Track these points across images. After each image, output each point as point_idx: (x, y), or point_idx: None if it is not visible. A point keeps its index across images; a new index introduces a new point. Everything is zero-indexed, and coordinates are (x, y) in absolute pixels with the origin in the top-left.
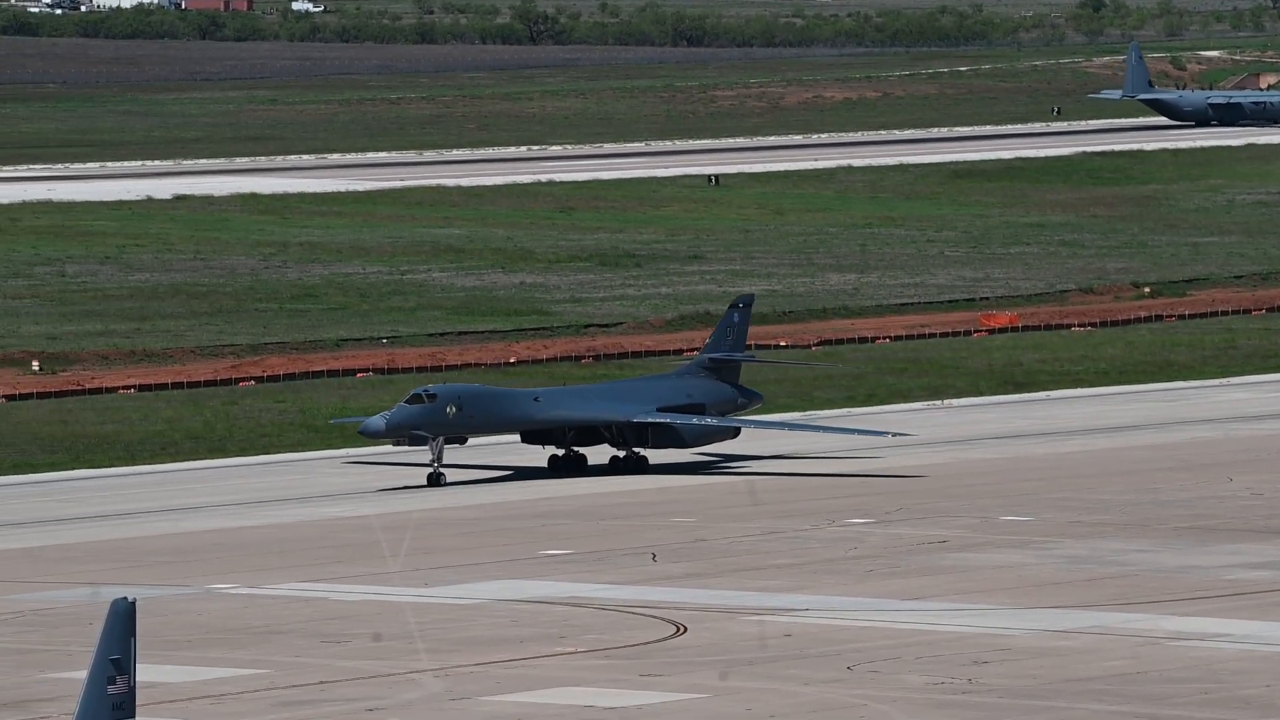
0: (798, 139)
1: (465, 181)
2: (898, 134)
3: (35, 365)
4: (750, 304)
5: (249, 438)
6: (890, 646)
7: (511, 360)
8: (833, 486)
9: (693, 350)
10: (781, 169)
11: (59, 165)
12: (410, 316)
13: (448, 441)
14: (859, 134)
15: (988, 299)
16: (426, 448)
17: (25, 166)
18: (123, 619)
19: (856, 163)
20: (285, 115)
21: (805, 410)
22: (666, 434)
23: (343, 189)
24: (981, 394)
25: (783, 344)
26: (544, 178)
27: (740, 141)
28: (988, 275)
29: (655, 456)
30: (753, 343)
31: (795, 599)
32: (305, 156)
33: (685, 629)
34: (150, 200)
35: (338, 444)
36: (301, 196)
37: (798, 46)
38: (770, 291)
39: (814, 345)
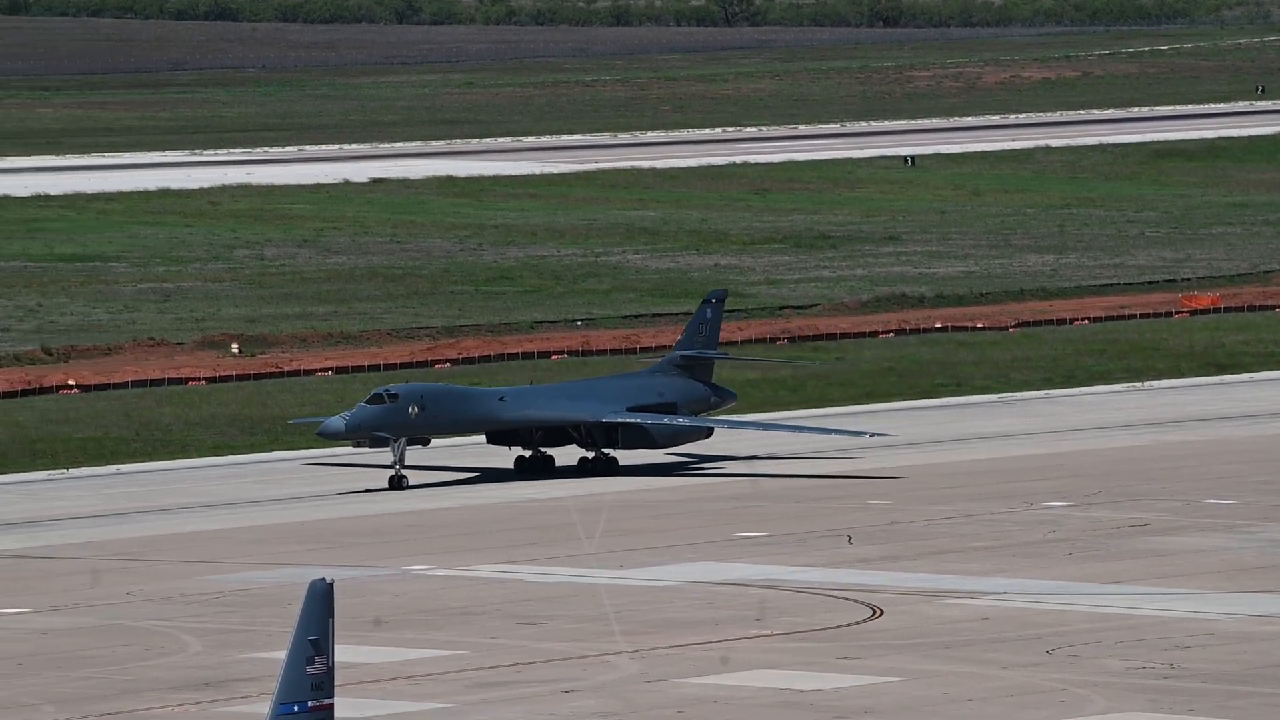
0: (995, 119)
1: (660, 163)
2: (1097, 114)
3: (235, 348)
4: (723, 300)
5: None
6: (1090, 630)
7: None
8: (1031, 470)
9: (887, 333)
10: (978, 149)
11: (258, 149)
12: (604, 298)
13: (410, 443)
14: (1057, 114)
15: (1189, 280)
16: (388, 449)
17: (225, 151)
18: (321, 600)
19: (1055, 143)
20: (481, 98)
21: (1002, 391)
22: (637, 434)
23: (538, 171)
24: (1183, 376)
25: (979, 325)
26: (739, 159)
27: (936, 122)
28: (1189, 256)
29: (626, 458)
30: (948, 324)
31: (993, 582)
32: (501, 139)
33: (882, 612)
34: (348, 183)
35: None
36: (497, 179)
37: (995, 26)
38: (967, 273)
39: (1011, 327)
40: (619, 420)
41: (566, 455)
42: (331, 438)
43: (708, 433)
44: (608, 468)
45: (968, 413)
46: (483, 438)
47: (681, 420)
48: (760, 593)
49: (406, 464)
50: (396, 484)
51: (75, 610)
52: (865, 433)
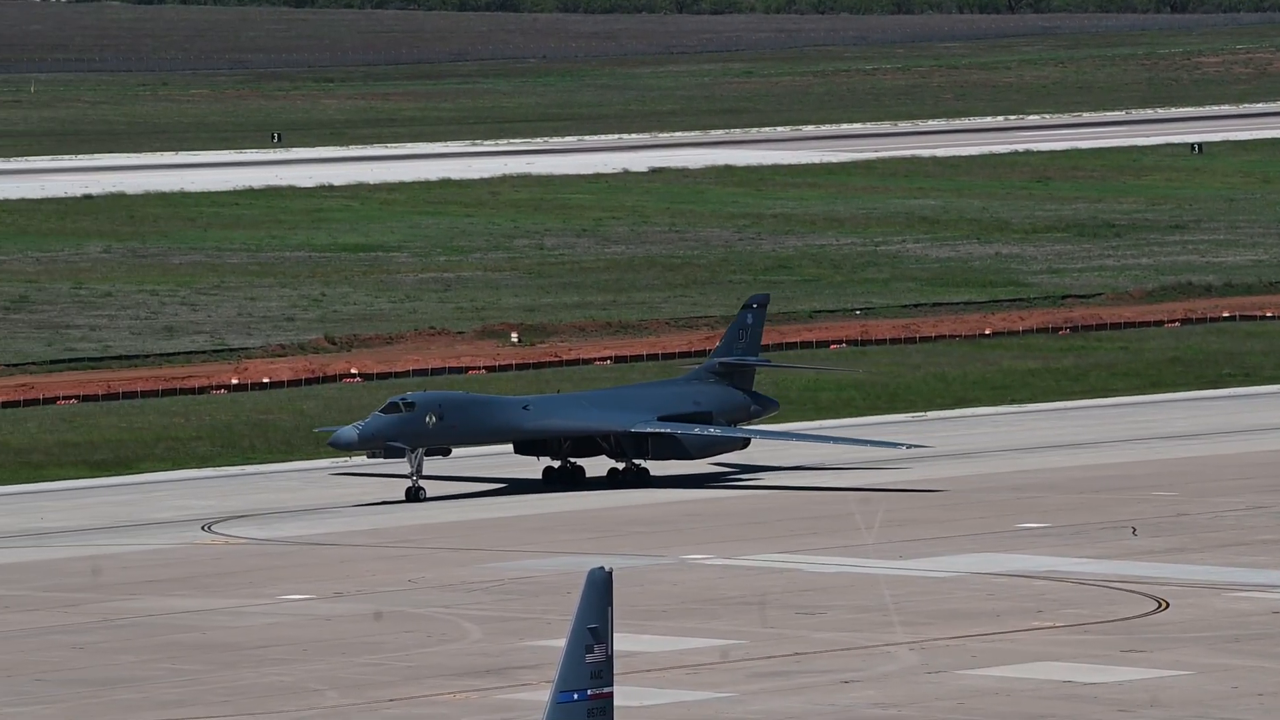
0: None
1: (940, 152)
2: None
3: (514, 337)
4: (765, 304)
5: None
6: None
7: (987, 332)
8: None
9: (1173, 322)
10: (1269, 136)
11: (538, 139)
12: (883, 288)
13: (429, 453)
14: None
15: None
16: (405, 460)
17: (505, 141)
18: (600, 588)
19: None
20: (760, 87)
21: None
22: (668, 444)
23: (817, 160)
24: None
25: (1269, 315)
26: (1021, 147)
27: (1225, 109)
28: None
29: (659, 469)
30: (1235, 313)
31: None
32: (780, 128)
33: (1168, 604)
34: (627, 173)
35: (809, 415)
36: (776, 168)
37: None
38: (1256, 261)
39: None
40: (649, 430)
41: (598, 466)
42: (344, 448)
43: (744, 443)
44: (639, 479)
45: (1257, 403)
46: (510, 448)
47: (713, 430)
48: (1042, 584)
49: (424, 474)
50: (414, 496)
51: (358, 597)
52: (902, 444)
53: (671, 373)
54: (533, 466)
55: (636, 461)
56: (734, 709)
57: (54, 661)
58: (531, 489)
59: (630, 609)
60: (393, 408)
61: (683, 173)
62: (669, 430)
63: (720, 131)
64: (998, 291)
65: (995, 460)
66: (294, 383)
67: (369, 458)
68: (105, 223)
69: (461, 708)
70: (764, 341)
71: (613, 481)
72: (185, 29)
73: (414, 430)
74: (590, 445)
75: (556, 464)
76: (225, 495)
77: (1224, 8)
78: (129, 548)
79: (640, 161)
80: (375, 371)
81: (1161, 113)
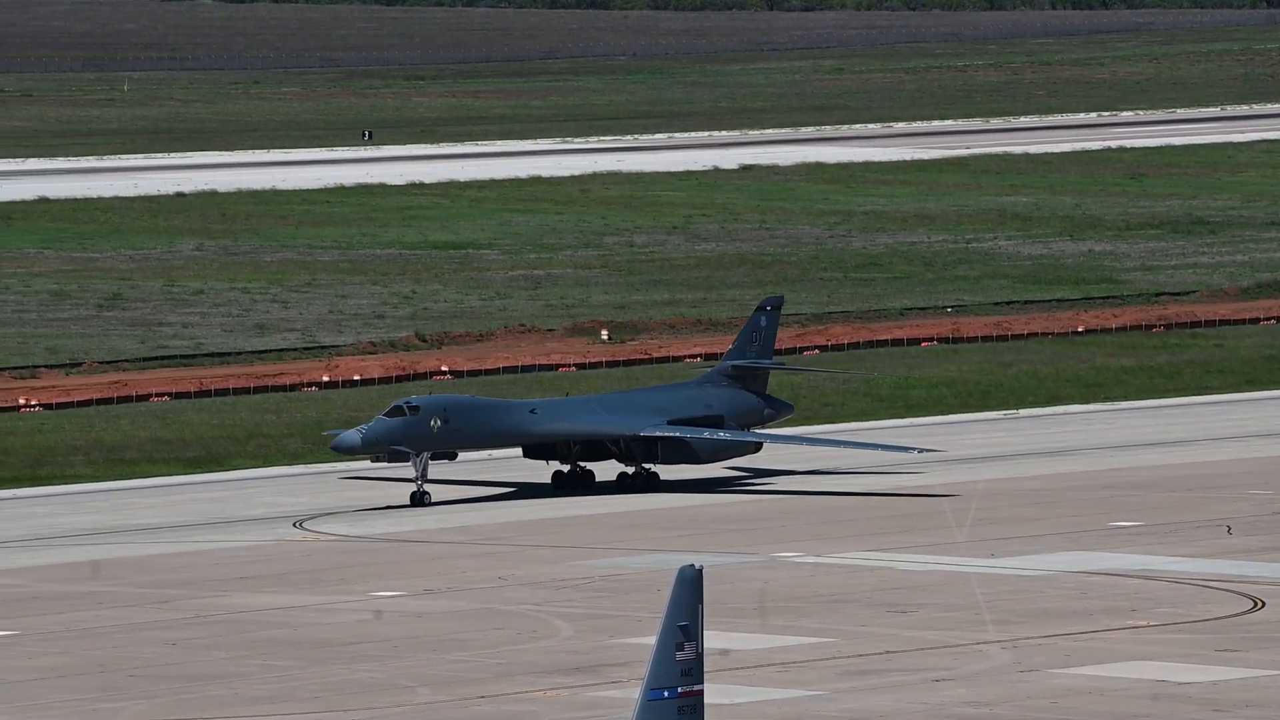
0: None
1: (1033, 148)
2: None
3: (604, 334)
4: (780, 306)
5: (811, 407)
6: None
7: (1079, 329)
8: None
9: (1269, 320)
10: None
11: (628, 136)
12: (975, 285)
13: (434, 457)
14: None
15: None
16: (409, 464)
17: (596, 138)
18: (690, 586)
19: None
20: (851, 84)
21: None
22: (678, 449)
23: (907, 158)
24: None
25: None
26: (1114, 144)
27: None
28: None
29: (669, 473)
30: None
31: None
32: (870, 125)
33: (1264, 603)
34: (716, 170)
35: (900, 413)
36: (866, 165)
37: None
38: None
39: None
40: (658, 434)
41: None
42: (347, 452)
43: (756, 447)
44: (648, 484)
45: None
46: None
47: (723, 434)
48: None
49: (430, 478)
50: (419, 500)
51: (449, 594)
52: (913, 448)
53: None
54: (542, 470)
55: (646, 466)
56: (825, 707)
57: (147, 657)
58: (541, 493)
59: (720, 606)
60: (397, 411)
61: (773, 170)
62: (678, 434)
63: (810, 129)
64: (1090, 289)
65: (1088, 458)
66: (384, 380)
67: (373, 462)
68: (197, 221)
69: (552, 705)
70: (853, 339)
71: (621, 486)
72: (277, 27)
73: (419, 434)
74: (600, 449)
75: (566, 468)
76: (316, 492)
77: None
78: (220, 544)
79: (730, 159)
80: (466, 369)
81: (1257, 109)
